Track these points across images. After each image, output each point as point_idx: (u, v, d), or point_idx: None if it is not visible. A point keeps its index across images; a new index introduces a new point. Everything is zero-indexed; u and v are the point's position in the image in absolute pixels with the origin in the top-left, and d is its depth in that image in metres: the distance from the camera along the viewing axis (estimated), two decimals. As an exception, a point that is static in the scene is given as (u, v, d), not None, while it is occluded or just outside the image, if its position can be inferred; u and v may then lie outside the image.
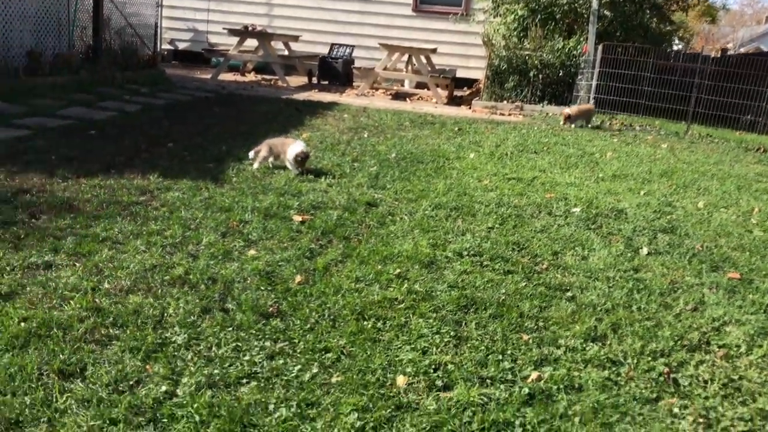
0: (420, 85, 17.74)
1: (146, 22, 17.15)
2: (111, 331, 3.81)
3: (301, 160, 7.12)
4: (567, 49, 14.94)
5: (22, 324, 3.75)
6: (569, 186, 7.84)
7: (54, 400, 3.18)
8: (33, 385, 3.26)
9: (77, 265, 4.57)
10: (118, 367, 3.45)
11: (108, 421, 3.05)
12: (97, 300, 4.10)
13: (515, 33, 15.81)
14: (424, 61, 16.39)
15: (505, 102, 15.08)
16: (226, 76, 17.41)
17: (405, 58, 17.42)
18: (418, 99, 16.43)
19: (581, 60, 14.80)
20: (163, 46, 19.23)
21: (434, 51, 16.44)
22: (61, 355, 3.49)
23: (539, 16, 15.66)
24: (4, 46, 10.62)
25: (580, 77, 14.79)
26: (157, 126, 9.37)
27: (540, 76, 14.94)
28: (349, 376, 3.52)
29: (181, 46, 20.31)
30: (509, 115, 14.35)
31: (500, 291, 4.66)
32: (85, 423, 3.03)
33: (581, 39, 15.23)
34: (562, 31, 15.68)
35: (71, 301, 4.06)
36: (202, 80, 16.06)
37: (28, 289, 4.18)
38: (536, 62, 14.84)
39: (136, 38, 15.43)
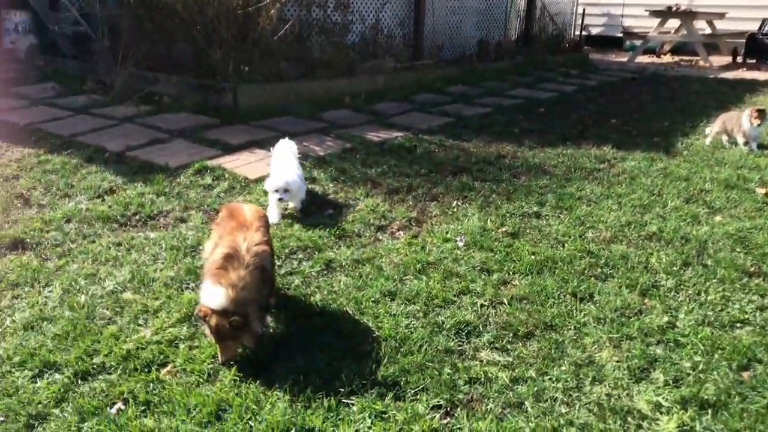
0: None
1: (564, 9, 17.97)
2: (605, 270, 4.45)
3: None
4: None
5: (532, 257, 4.61)
6: None
7: (573, 314, 3.92)
8: (555, 301, 4.05)
9: (561, 216, 5.35)
10: (620, 298, 4.06)
11: (624, 336, 3.67)
12: (585, 245, 4.79)
13: None
14: None
15: None
16: (642, 58, 17.30)
17: None
18: None
19: None
20: (576, 32, 19.89)
21: None
22: (571, 282, 4.24)
23: None
24: (461, 38, 12.39)
25: None
26: (594, 104, 10.00)
27: None
28: None
29: (594, 31, 20.71)
30: None
31: None
32: (604, 334, 3.69)
33: None
34: None
35: (565, 244, 4.82)
36: (619, 62, 16.28)
37: (527, 231, 5.08)
38: None
39: (557, 25, 16.34)
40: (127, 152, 6.56)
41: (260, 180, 5.83)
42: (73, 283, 4.26)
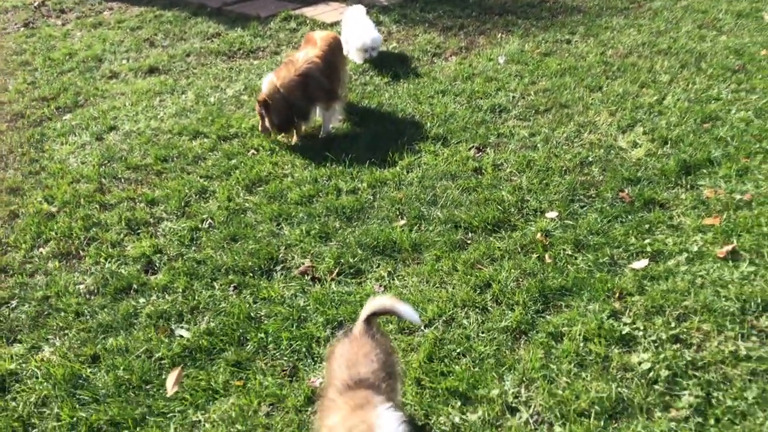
0: None
1: None
2: (615, 73, 5.54)
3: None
4: None
5: (558, 66, 5.74)
6: None
7: (583, 98, 5.08)
8: (570, 91, 5.21)
9: (588, 41, 6.39)
10: (623, 88, 5.19)
11: (619, 108, 4.85)
12: (604, 59, 5.87)
13: None
14: None
15: None
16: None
17: None
18: None
19: None
20: None
21: None
22: (586, 80, 5.39)
23: None
24: None
25: None
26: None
27: None
28: (799, 100, 4.65)
29: None
30: None
31: None
32: (605, 108, 4.88)
33: None
34: None
35: (586, 58, 5.91)
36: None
37: (557, 52, 6.16)
38: None
39: None
40: (224, 7, 7.84)
41: (336, 24, 7.03)
42: (201, 91, 5.68)
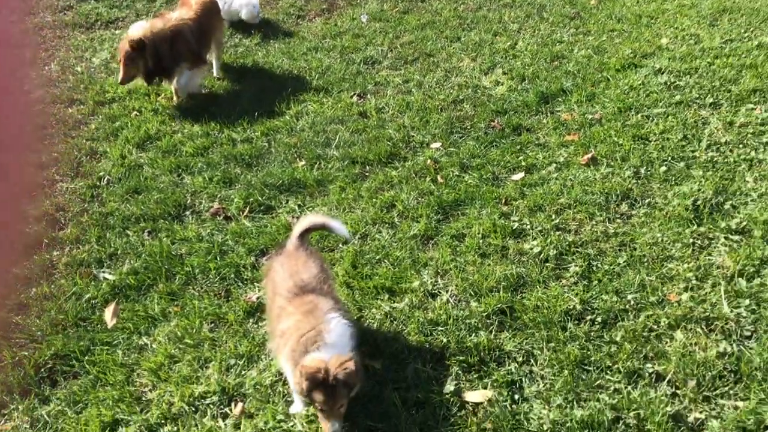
0: None
1: None
2: (470, 25, 6.04)
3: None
4: None
5: (418, 21, 6.14)
6: None
7: (445, 48, 5.53)
8: (432, 42, 5.64)
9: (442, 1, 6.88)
10: (479, 36, 5.70)
11: (478, 54, 5.33)
12: (458, 13, 6.37)
13: None
14: None
15: None
16: None
17: None
18: None
19: None
20: None
21: None
22: (445, 32, 5.83)
23: None
24: None
25: None
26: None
27: None
28: (626, 38, 5.36)
29: None
30: None
31: (757, 3, 5.94)
32: (465, 55, 5.34)
33: None
34: None
35: (442, 13, 6.37)
36: None
37: (415, 9, 6.58)
38: None
39: None
40: (71, -20, 7.53)
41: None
42: (66, 62, 5.52)
